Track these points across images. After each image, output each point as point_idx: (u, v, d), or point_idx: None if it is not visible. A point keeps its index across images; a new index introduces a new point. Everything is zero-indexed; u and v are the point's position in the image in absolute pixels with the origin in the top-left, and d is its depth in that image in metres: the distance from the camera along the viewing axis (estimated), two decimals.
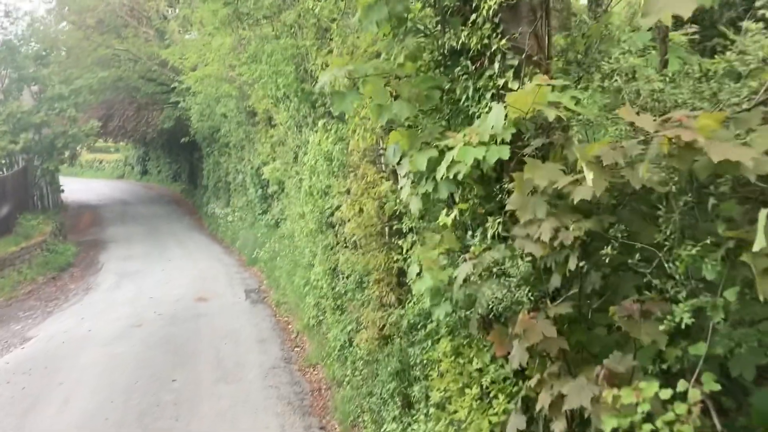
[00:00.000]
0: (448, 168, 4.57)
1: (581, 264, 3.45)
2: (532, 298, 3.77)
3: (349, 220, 7.63)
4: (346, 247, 9.75)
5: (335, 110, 5.38)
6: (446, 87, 5.37)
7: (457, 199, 5.12)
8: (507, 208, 3.83)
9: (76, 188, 37.77)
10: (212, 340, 11.51)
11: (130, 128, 31.11)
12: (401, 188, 5.47)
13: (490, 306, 4.14)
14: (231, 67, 17.21)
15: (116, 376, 9.98)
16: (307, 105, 10.24)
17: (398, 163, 6.25)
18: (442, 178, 4.62)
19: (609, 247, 3.32)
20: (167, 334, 12.01)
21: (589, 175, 3.23)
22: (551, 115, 3.69)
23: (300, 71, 10.08)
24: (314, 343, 10.70)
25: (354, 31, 7.35)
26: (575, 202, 3.38)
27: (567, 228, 3.54)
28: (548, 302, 3.75)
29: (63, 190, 31.74)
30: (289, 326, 12.29)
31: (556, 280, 3.75)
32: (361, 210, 7.18)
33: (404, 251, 6.20)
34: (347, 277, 9.76)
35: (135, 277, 17.17)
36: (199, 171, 29.69)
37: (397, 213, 6.42)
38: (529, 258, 3.80)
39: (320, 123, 10.16)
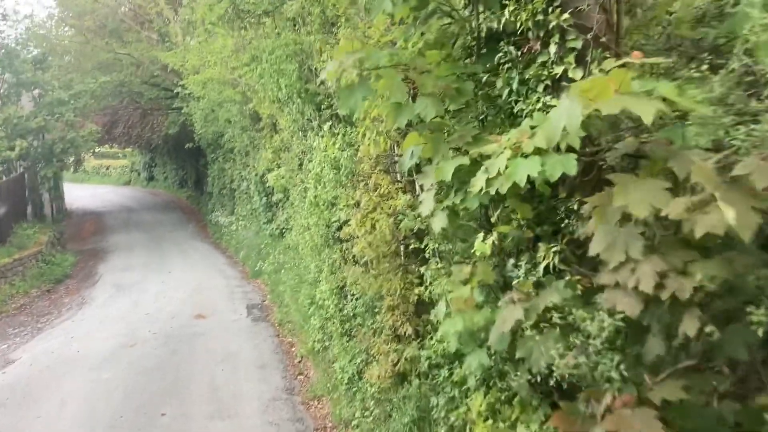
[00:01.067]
0: (488, 182, 3.44)
1: (708, 328, 2.30)
2: (624, 372, 2.60)
3: (358, 237, 6.49)
4: (355, 263, 8.65)
5: (342, 110, 4.26)
6: (481, 79, 4.24)
7: (494, 218, 3.97)
8: (591, 251, 2.66)
9: (81, 195, 36.96)
10: (208, 365, 10.37)
11: (135, 134, 30.19)
12: (422, 202, 4.35)
13: (553, 371, 2.99)
14: (233, 71, 16.15)
15: (100, 409, 8.85)
16: (312, 107, 9.12)
17: (418, 172, 5.10)
18: (479, 192, 3.48)
19: (761, 308, 2.16)
20: (160, 357, 10.89)
21: (729, 211, 2.08)
22: (649, 111, 2.52)
23: (303, 70, 8.97)
24: (319, 371, 9.55)
25: (365, 19, 6.24)
26: (697, 237, 2.23)
27: (680, 273, 2.38)
28: (647, 378, 2.59)
29: (63, 197, 30.93)
30: (293, 349, 11.14)
31: (657, 346, 2.59)
32: (373, 227, 6.04)
33: (426, 279, 5.06)
34: (356, 299, 8.63)
35: (132, 289, 16.08)
36: (205, 177, 28.68)
37: (416, 231, 5.27)
38: (620, 314, 2.63)
39: (326, 127, 9.05)
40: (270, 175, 16.09)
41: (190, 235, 24.76)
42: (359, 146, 7.71)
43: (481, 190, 3.48)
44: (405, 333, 6.43)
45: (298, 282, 12.29)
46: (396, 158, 6.54)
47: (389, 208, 5.84)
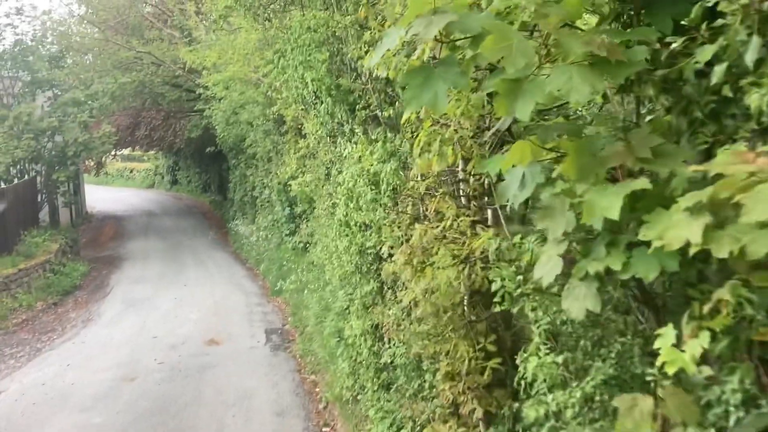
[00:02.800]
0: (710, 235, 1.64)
1: None
2: None
3: (408, 282, 4.71)
4: (396, 303, 6.90)
5: (410, 107, 2.48)
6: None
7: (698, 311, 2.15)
8: None
9: (104, 197, 35.78)
10: (217, 410, 8.65)
11: (157, 137, 28.76)
12: (537, 261, 2.59)
13: None
14: (256, 69, 14.52)
15: None
16: (344, 107, 7.36)
17: (529, 207, 3.37)
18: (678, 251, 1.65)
19: None
20: (163, 397, 9.21)
21: None
22: None
23: (335, 62, 7.23)
24: (349, 426, 7.77)
25: None
26: None
27: None
28: None
29: (75, 202, 29.64)
30: (317, 390, 9.39)
31: None
32: (432, 274, 4.24)
33: (525, 374, 3.23)
34: (397, 346, 6.84)
35: (143, 306, 14.48)
36: (228, 183, 27.17)
37: (504, 292, 3.42)
38: None
39: (360, 131, 7.30)
40: (294, 182, 14.42)
41: (210, 244, 23.18)
42: (407, 157, 5.94)
43: (685, 248, 1.74)
44: (470, 414, 4.63)
45: (323, 309, 10.54)
46: (462, 175, 4.75)
47: (460, 250, 4.04)
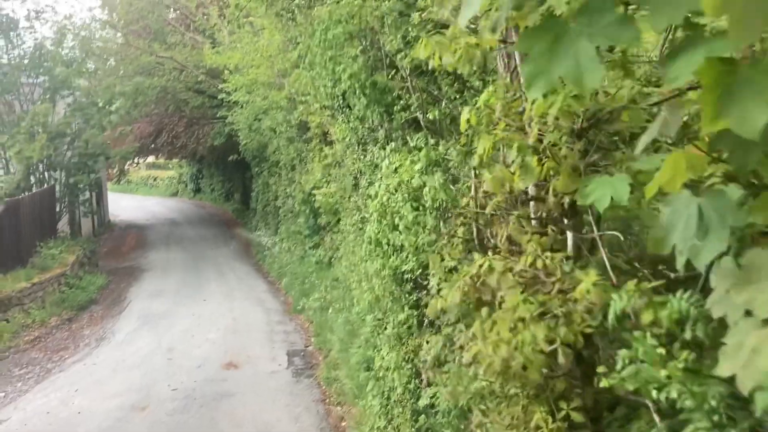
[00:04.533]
0: None
1: None
2: None
3: (471, 342, 3.68)
4: (434, 334, 5.92)
5: (534, 85, 1.45)
6: None
7: None
8: None
9: (127, 206, 35.40)
10: None
11: (180, 144, 28.20)
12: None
13: None
14: (280, 73, 13.67)
15: None
16: (379, 109, 6.39)
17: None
18: None
19: None
20: (175, 430, 8.28)
21: None
22: None
23: (369, 56, 6.26)
24: None
25: None
26: None
27: None
28: None
29: (106, 209, 29.25)
30: (343, 424, 8.38)
31: None
32: (507, 325, 3.20)
33: None
34: (439, 387, 5.82)
35: (159, 323, 13.63)
36: (251, 191, 26.42)
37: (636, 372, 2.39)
38: None
39: (398, 137, 6.31)
40: (318, 192, 13.51)
41: (232, 255, 22.36)
42: (458, 168, 4.94)
43: None
44: None
45: (349, 333, 9.55)
46: (533, 192, 3.72)
47: (548, 297, 2.99)
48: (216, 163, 33.39)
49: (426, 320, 6.09)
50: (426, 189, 4.92)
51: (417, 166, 5.36)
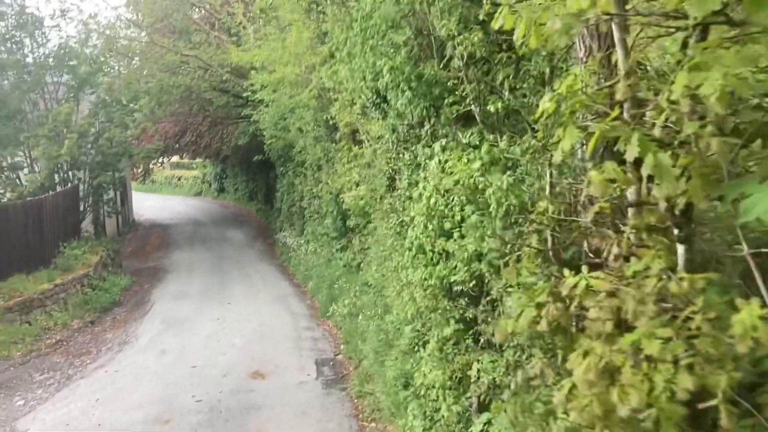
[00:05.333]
0: None
1: None
2: None
3: (560, 375, 3.00)
4: (495, 353, 5.30)
5: None
6: None
7: None
8: None
9: (151, 205, 35.17)
10: None
11: (204, 144, 27.81)
12: None
13: None
14: (308, 70, 13.08)
15: None
16: (425, 104, 5.72)
17: None
18: None
19: None
20: None
21: None
22: None
23: (413, 46, 5.59)
24: None
25: None
26: None
27: None
28: None
29: (131, 209, 29.02)
30: None
31: None
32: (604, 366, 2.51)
33: None
34: (496, 414, 5.15)
35: (183, 327, 13.11)
36: (275, 191, 25.90)
37: None
38: None
39: (448, 133, 5.64)
40: (347, 194, 12.90)
41: (256, 256, 21.85)
42: (527, 166, 4.26)
43: None
44: None
45: (383, 344, 8.89)
46: (633, 197, 3.03)
47: (683, 327, 2.30)
48: (240, 163, 33.00)
49: (482, 338, 5.41)
50: (490, 190, 4.24)
51: (474, 165, 4.68)
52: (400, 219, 7.61)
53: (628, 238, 2.81)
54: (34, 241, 14.45)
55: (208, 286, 17.04)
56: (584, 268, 3.04)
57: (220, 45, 20.69)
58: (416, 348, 7.43)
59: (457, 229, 5.12)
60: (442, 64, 5.40)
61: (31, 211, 14.53)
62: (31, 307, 13.06)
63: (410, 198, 7.23)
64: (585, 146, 3.71)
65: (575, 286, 2.94)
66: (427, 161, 6.41)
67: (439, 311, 6.23)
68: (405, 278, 6.77)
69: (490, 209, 4.24)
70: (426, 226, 5.82)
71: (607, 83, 3.09)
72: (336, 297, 13.38)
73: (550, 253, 3.91)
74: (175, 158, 37.37)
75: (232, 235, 25.88)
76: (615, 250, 2.82)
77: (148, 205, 34.95)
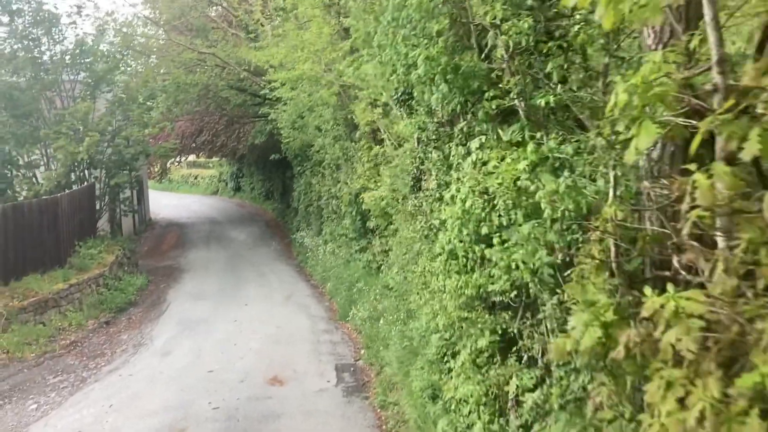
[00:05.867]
0: None
1: None
2: None
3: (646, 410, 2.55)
4: (537, 370, 4.87)
5: None
6: None
7: None
8: None
9: (168, 204, 35.02)
10: None
11: (220, 143, 27.53)
12: None
13: None
14: (328, 67, 12.67)
15: None
16: (461, 98, 5.27)
17: None
18: None
19: None
20: None
21: None
22: None
23: (448, 36, 5.14)
24: None
25: None
26: None
27: None
28: None
29: (147, 207, 28.88)
30: None
31: None
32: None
33: None
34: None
35: (199, 329, 12.77)
36: (291, 191, 25.55)
37: None
38: None
39: (488, 130, 5.19)
40: (366, 195, 12.50)
41: (273, 255, 21.51)
42: (590, 166, 3.80)
43: None
44: None
45: (407, 351, 8.45)
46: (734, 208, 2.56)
47: None
48: (256, 162, 32.71)
49: (525, 354, 4.95)
50: (541, 193, 3.78)
51: (520, 165, 4.23)
52: (429, 222, 7.16)
53: (739, 254, 2.34)
54: (50, 240, 14.18)
55: (224, 286, 16.72)
56: (670, 287, 2.57)
57: (238, 43, 20.36)
58: (445, 358, 6.98)
59: (497, 235, 4.67)
60: (483, 55, 4.95)
61: (47, 210, 14.27)
62: (46, 307, 12.80)
63: (440, 200, 6.79)
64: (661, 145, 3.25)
65: (661, 307, 2.48)
66: (461, 161, 5.96)
67: (472, 321, 5.79)
68: (435, 285, 6.32)
69: (544, 215, 3.78)
70: (460, 231, 5.37)
71: (699, 70, 2.62)
72: (355, 300, 12.99)
73: (613, 265, 3.46)
74: (191, 157, 37.18)
75: (248, 235, 25.57)
76: (721, 267, 2.35)
77: (165, 203, 34.79)
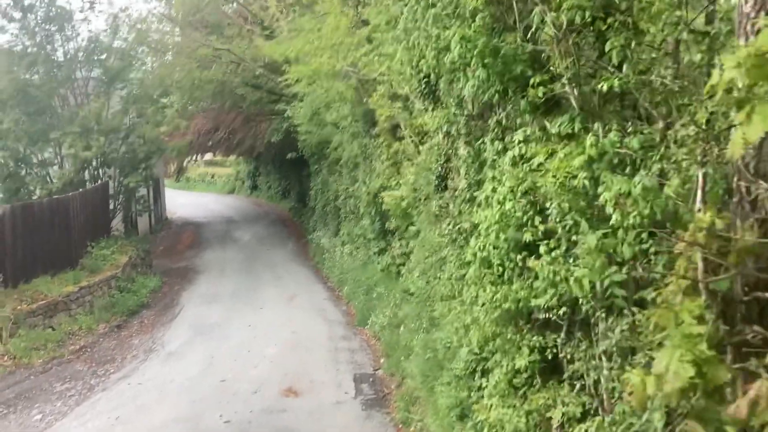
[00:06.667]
0: None
1: None
2: None
3: None
4: (588, 397, 4.20)
5: None
6: None
7: None
8: None
9: (185, 203, 34.68)
10: None
11: (237, 141, 27.04)
12: None
13: None
14: (344, 57, 12.05)
15: None
16: (501, 84, 4.59)
17: None
18: None
19: None
20: None
21: None
22: None
23: (486, 16, 4.48)
24: None
25: None
26: None
27: None
28: None
29: (164, 206, 28.57)
30: None
31: None
32: None
33: None
34: None
35: (212, 334, 12.23)
36: (308, 190, 25.01)
37: None
38: None
39: (526, 123, 4.52)
40: (386, 194, 11.87)
41: (289, 256, 20.96)
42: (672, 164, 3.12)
43: None
44: None
45: (432, 364, 7.79)
46: None
47: None
48: (273, 161, 32.25)
49: (578, 382, 4.28)
50: (606, 195, 3.11)
51: (576, 161, 3.56)
52: (457, 225, 6.50)
53: None
54: (61, 241, 13.74)
55: (239, 288, 16.19)
56: None
57: (253, 39, 19.83)
58: (475, 375, 6.33)
59: (545, 243, 4.01)
60: (529, 35, 4.28)
61: (58, 210, 13.83)
62: (56, 310, 12.33)
63: (471, 201, 6.13)
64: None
65: None
66: (496, 157, 5.30)
67: (508, 337, 5.13)
68: (467, 296, 5.66)
69: (611, 222, 3.12)
70: (497, 236, 4.71)
71: None
72: (374, 304, 12.37)
73: (701, 285, 2.78)
74: (208, 156, 36.83)
75: (264, 235, 25.07)
76: None
77: (181, 202, 34.46)
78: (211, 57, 19.86)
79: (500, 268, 5.12)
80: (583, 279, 3.29)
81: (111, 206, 17.62)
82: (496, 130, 5.16)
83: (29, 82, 15.88)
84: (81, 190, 15.49)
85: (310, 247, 21.61)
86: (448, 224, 6.85)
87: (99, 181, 17.14)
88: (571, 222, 3.60)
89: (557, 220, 3.77)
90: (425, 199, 9.84)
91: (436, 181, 8.39)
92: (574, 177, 3.51)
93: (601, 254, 3.19)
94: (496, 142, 5.11)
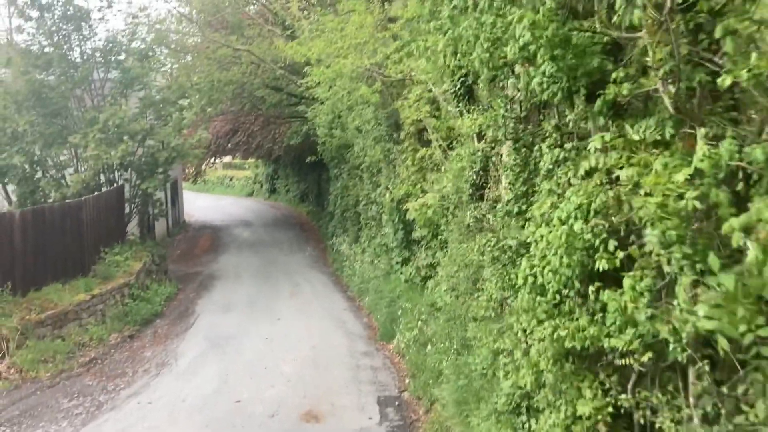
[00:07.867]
0: None
1: None
2: None
3: None
4: None
5: None
6: None
7: None
8: None
9: (203, 205, 34.28)
10: None
11: (255, 144, 26.51)
12: None
13: None
14: (372, 56, 11.31)
15: None
16: (569, 80, 3.81)
17: None
18: None
19: None
20: None
21: None
22: None
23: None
24: None
25: None
26: None
27: None
28: None
29: (182, 209, 28.11)
30: None
31: None
32: None
33: None
34: None
35: (227, 347, 11.55)
36: (327, 194, 24.34)
37: None
38: None
39: (599, 126, 3.74)
40: (411, 204, 11.07)
41: (307, 261, 20.28)
42: None
43: None
44: None
45: (468, 393, 7.00)
46: None
47: None
48: (292, 164, 31.67)
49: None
50: (735, 223, 2.33)
51: (678, 176, 2.78)
52: (500, 242, 5.72)
53: None
54: (73, 246, 13.16)
55: (256, 296, 15.52)
56: None
57: (274, 40, 19.20)
58: (520, 411, 5.54)
59: (630, 275, 3.24)
60: (610, 19, 3.51)
61: (70, 214, 13.26)
62: (66, 320, 11.72)
63: (517, 214, 5.35)
64: None
65: None
66: (552, 167, 4.52)
67: (569, 379, 4.34)
68: (515, 324, 4.88)
69: (749, 260, 2.34)
70: (560, 261, 3.93)
71: None
72: (397, 318, 11.61)
73: None
74: (227, 158, 36.38)
75: (282, 239, 24.43)
76: None
77: (200, 205, 34.04)
78: (230, 58, 19.27)
79: (556, 296, 4.35)
80: (720, 333, 2.50)
81: (126, 210, 17.06)
82: (554, 135, 4.39)
83: (45, 83, 15.39)
84: (97, 193, 14.92)
85: (329, 253, 20.91)
86: (488, 240, 6.07)
87: (114, 185, 16.58)
88: (679, 255, 2.82)
89: (655, 251, 2.99)
90: (455, 209, 9.09)
91: (470, 190, 7.62)
92: (680, 197, 2.74)
93: (745, 301, 2.41)
94: (556, 150, 4.35)
